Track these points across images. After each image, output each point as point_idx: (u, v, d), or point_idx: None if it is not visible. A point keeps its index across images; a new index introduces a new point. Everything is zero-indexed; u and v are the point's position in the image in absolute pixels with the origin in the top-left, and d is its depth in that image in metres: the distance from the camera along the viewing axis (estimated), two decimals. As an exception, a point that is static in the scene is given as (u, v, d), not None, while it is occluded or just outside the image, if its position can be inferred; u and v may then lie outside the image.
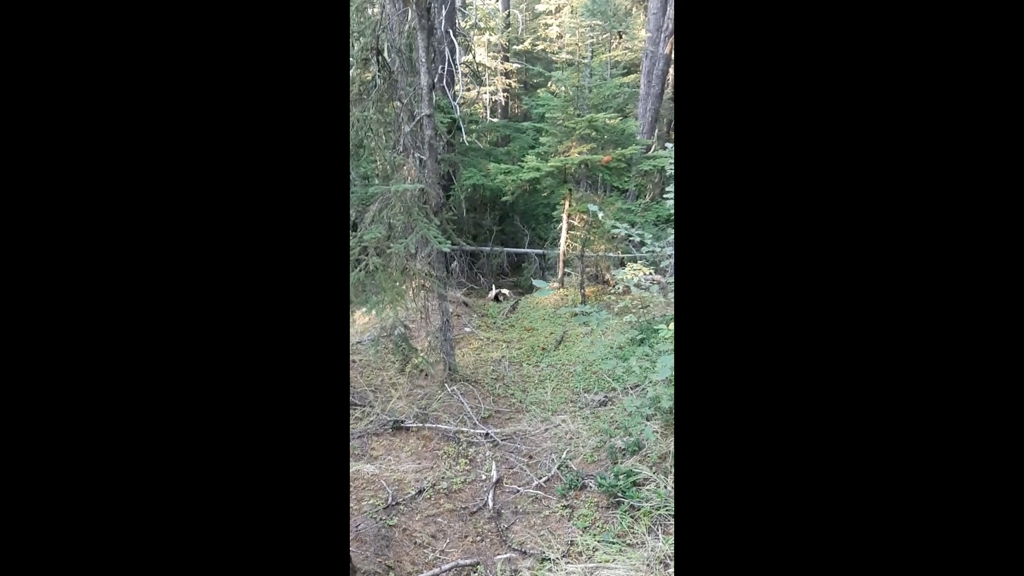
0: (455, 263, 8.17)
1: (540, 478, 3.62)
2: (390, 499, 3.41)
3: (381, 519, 3.23)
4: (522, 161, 7.33)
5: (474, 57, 10.82)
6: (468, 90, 10.90)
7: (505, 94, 11.40)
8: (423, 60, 4.03)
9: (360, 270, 4.32)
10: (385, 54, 4.11)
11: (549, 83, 8.82)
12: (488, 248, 8.90)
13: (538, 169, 6.77)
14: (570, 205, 7.14)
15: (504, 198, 7.67)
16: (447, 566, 2.81)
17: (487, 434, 4.15)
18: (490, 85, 11.00)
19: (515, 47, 11.21)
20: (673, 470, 3.31)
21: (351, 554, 2.69)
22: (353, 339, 6.41)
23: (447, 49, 7.96)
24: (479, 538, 3.12)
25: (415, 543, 3.07)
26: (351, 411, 4.70)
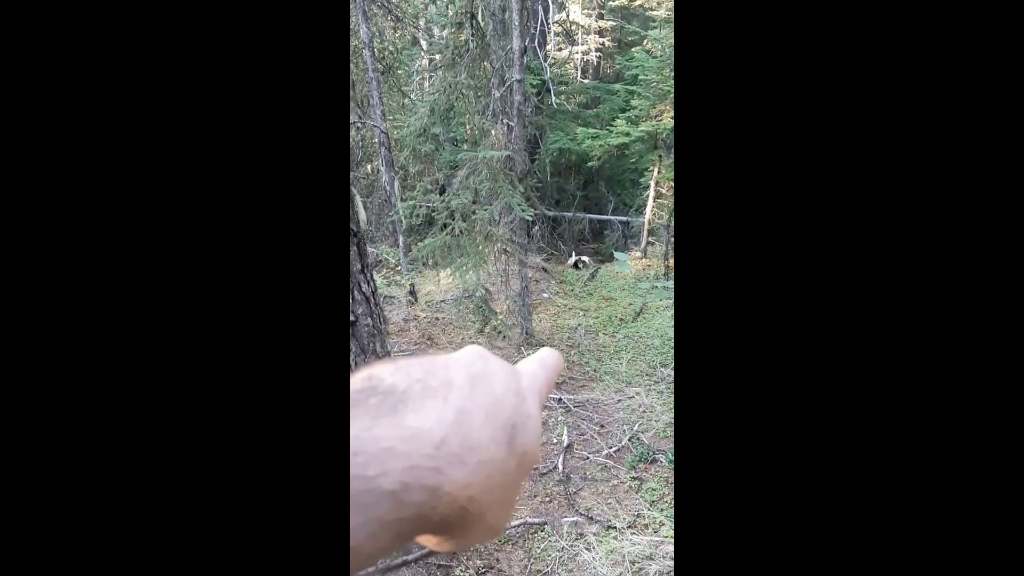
0: (536, 228, 8.20)
1: (610, 447, 3.67)
2: (465, 453, 3.61)
3: (457, 471, 3.43)
4: (611, 125, 7.12)
5: (568, 15, 10.45)
6: (559, 50, 10.62)
7: (598, 53, 10.98)
8: (516, 23, 3.98)
9: (446, 233, 4.47)
10: (479, 17, 4.10)
11: (645, 42, 8.40)
12: (570, 214, 8.83)
13: (627, 134, 6.57)
14: (659, 172, 6.89)
15: (590, 163, 7.53)
16: (516, 522, 2.96)
17: (560, 399, 4.24)
18: (583, 44, 10.62)
19: (611, 3, 10.70)
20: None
21: (429, 501, 2.90)
22: (437, 298, 6.69)
23: (540, 7, 7.76)
24: (547, 499, 3.25)
25: (487, 497, 3.25)
26: (432, 367, 4.95)
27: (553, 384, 0.46)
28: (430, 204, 4.35)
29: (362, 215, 1.96)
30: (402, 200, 5.39)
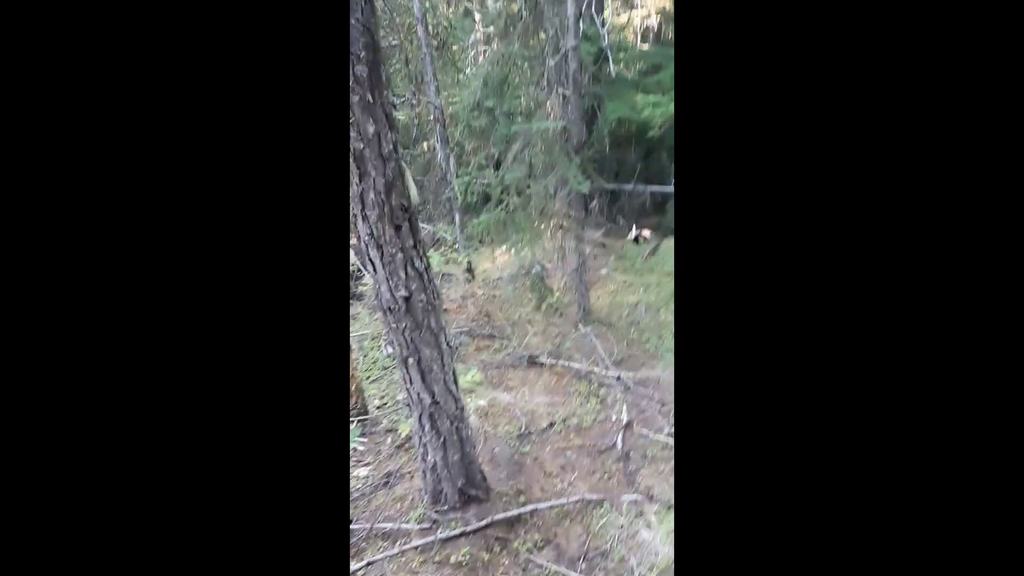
0: (594, 202, 8.00)
1: (671, 426, 3.56)
2: (523, 428, 3.61)
3: (514, 445, 3.44)
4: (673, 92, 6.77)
5: (626, -23, 9.98)
6: (617, 15, 10.19)
7: (658, 17, 10.45)
8: (570, -13, 3.81)
9: (500, 210, 4.42)
10: (532, -17, 3.95)
11: (709, 0, 7.87)
12: (630, 186, 8.55)
13: (690, 100, 6.22)
14: (724, 140, 6.51)
15: (651, 133, 7.22)
16: (574, 498, 2.94)
17: (619, 377, 4.15)
18: (642, 8, 10.14)
19: (672, -39, 10.10)
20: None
21: (486, 475, 2.93)
22: (493, 275, 6.69)
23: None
24: (606, 476, 3.20)
25: (545, 472, 3.24)
26: (490, 343, 4.98)
27: None
28: (484, 180, 4.31)
29: (413, 191, 1.94)
30: (457, 177, 5.38)
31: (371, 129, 1.79)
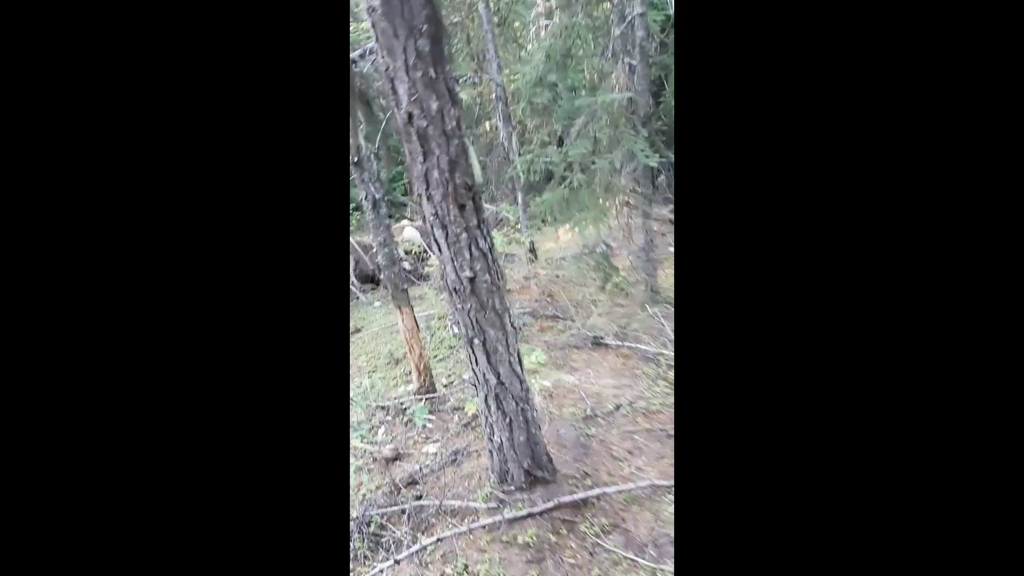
0: (662, 176, 7.69)
1: (746, 412, 3.39)
2: (588, 410, 3.55)
3: (580, 428, 3.40)
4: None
5: (695, -64, 9.40)
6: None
7: (731, -24, 9.80)
8: (638, -52, 3.60)
9: (564, 187, 4.32)
10: (596, -52, 3.77)
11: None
12: (699, 160, 8.15)
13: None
14: (805, 106, 6.05)
15: (722, 102, 6.82)
16: (643, 483, 2.87)
17: (689, 360, 3.99)
18: (713, -32, 9.53)
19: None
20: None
21: (552, 457, 2.90)
22: (557, 255, 6.61)
23: (664, -69, 7.02)
24: (676, 462, 3.10)
25: (612, 456, 3.18)
26: (554, 324, 4.93)
27: None
28: (547, 158, 4.21)
29: (477, 169, 1.90)
30: (519, 155, 5.30)
31: (434, 105, 1.76)
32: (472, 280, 2.11)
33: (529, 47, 7.71)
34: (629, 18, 3.87)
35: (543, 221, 6.39)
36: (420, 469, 3.24)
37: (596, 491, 2.79)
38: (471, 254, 2.06)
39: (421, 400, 3.98)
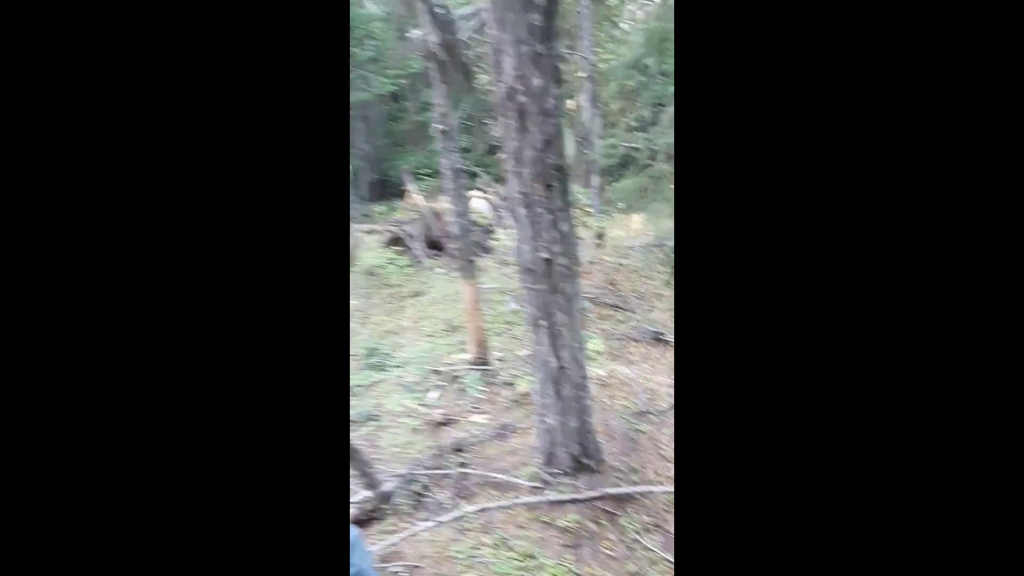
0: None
1: (808, 432, 3.24)
2: (641, 406, 3.50)
3: (631, 422, 3.36)
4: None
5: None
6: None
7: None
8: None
9: (644, 174, 4.20)
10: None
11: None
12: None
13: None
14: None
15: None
16: (689, 488, 2.81)
17: (752, 369, 3.85)
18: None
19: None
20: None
21: (600, 447, 2.89)
22: (624, 243, 6.48)
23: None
24: (726, 472, 3.02)
25: (660, 455, 3.13)
26: (614, 313, 4.86)
27: None
28: (632, 144, 4.09)
29: (570, 152, 1.86)
30: (602, 138, 5.19)
31: (537, 83, 1.72)
32: (548, 262, 2.09)
33: (623, 26, 7.46)
34: (740, 4, 3.65)
35: (615, 207, 6.27)
36: (468, 437, 3.31)
37: (642, 488, 2.77)
38: (551, 236, 2.04)
39: (475, 370, 4.04)
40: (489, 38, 1.74)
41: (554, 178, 1.91)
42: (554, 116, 1.81)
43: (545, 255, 2.07)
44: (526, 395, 3.68)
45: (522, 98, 1.76)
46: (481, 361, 4.09)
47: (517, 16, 1.63)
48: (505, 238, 6.22)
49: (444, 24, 2.68)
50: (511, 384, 3.93)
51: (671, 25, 3.92)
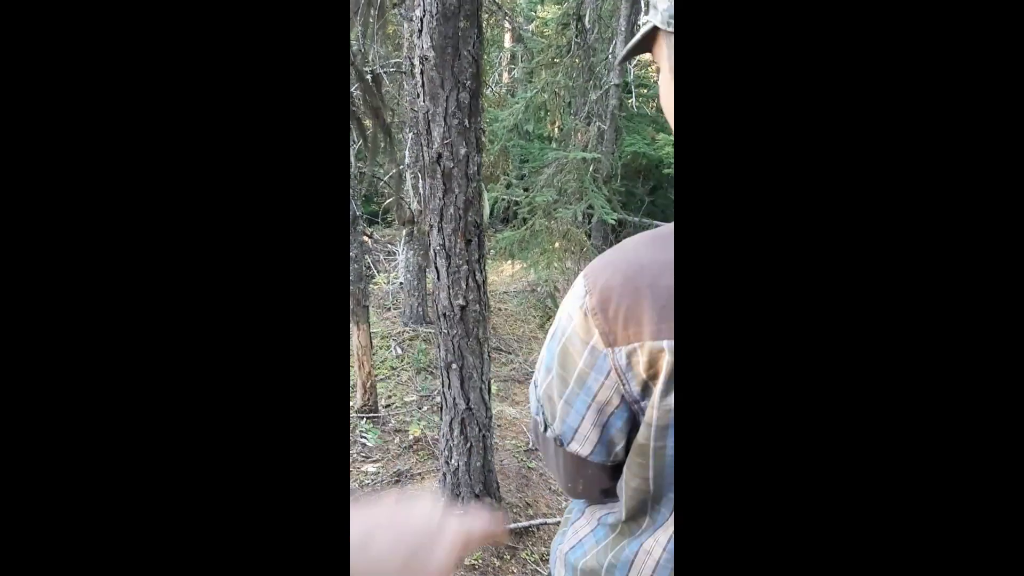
0: (590, 225, 8.19)
1: (672, 457, 3.70)
2: (530, 444, 3.72)
3: (522, 460, 3.55)
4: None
5: (655, 17, 10.29)
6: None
7: (680, 58, 10.78)
8: (622, 29, 4.02)
9: (526, 229, 4.57)
10: (586, 20, 4.15)
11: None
12: (636, 218, 8.78)
13: (709, 145, 6.47)
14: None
15: (668, 171, 7.47)
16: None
17: (623, 404, 4.28)
18: (667, 48, 10.45)
19: (700, 8, 10.46)
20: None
21: (499, 484, 3.03)
22: (500, 288, 6.83)
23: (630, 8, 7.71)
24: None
25: (550, 489, 3.35)
26: (497, 356, 5.09)
27: (480, 541, 0.52)
28: (514, 198, 4.46)
29: (487, 211, 2.09)
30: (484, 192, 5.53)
31: (462, 151, 1.93)
32: (464, 308, 2.26)
33: (493, 88, 8.06)
34: (606, 86, 4.26)
35: (492, 257, 6.62)
36: (360, 487, 3.24)
37: (538, 521, 2.95)
38: (467, 284, 2.21)
39: (363, 418, 3.97)
40: (419, 109, 1.92)
41: (473, 234, 2.11)
42: (475, 180, 2.03)
43: (461, 302, 2.23)
44: (419, 440, 3.70)
45: (448, 163, 1.95)
46: (370, 408, 4.03)
47: (448, 94, 1.85)
48: (384, 283, 6.21)
49: (369, 89, 2.79)
50: (402, 430, 3.92)
51: (548, 97, 4.43)
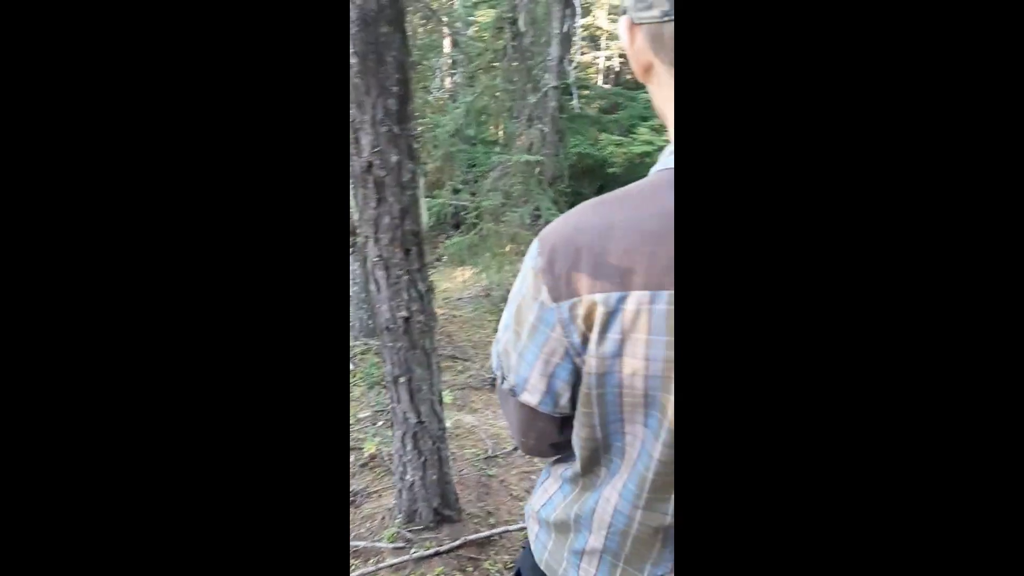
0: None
1: (631, 452, 3.73)
2: (489, 451, 3.68)
3: (481, 468, 3.51)
4: (633, 133, 7.18)
5: (593, 19, 10.51)
6: (583, 54, 10.68)
7: (620, 59, 11.06)
8: (556, 31, 4.04)
9: (474, 233, 4.54)
10: (519, 24, 4.16)
11: (669, 51, 8.43)
12: (587, 218, 8.89)
13: (651, 143, 6.64)
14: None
15: (612, 170, 7.59)
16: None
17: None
18: (607, 49, 10.69)
19: (635, 9, 10.74)
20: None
21: (458, 495, 2.98)
22: (454, 295, 6.76)
23: (566, 11, 7.81)
24: (570, 499, 3.31)
25: (511, 495, 3.32)
26: (452, 364, 5.03)
27: None
28: (460, 203, 4.42)
29: (424, 218, 2.04)
30: (426, 198, 5.46)
31: (394, 159, 1.88)
32: (407, 320, 2.20)
33: (435, 94, 8.01)
34: (544, 88, 4.28)
35: (438, 260, 6.55)
36: (316, 511, 3.13)
37: (500, 529, 2.91)
38: (409, 295, 2.16)
39: (316, 438, 3.83)
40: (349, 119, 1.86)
41: (412, 243, 2.06)
42: (410, 188, 1.98)
43: (404, 313, 2.18)
44: (374, 457, 3.60)
45: (380, 171, 1.89)
46: (322, 427, 3.89)
47: (375, 101, 1.79)
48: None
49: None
50: (357, 448, 3.81)
51: (488, 101, 4.41)
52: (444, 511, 2.82)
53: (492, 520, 3.03)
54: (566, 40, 7.64)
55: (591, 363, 0.61)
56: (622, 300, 0.56)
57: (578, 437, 0.68)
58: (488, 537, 2.85)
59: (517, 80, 4.30)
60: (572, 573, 0.74)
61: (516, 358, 0.68)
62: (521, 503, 3.23)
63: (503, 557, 2.79)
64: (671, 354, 0.56)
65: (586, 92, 9.41)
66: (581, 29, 10.20)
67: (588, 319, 0.60)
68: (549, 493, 0.80)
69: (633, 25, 0.59)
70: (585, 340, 0.62)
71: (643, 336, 0.57)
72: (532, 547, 0.82)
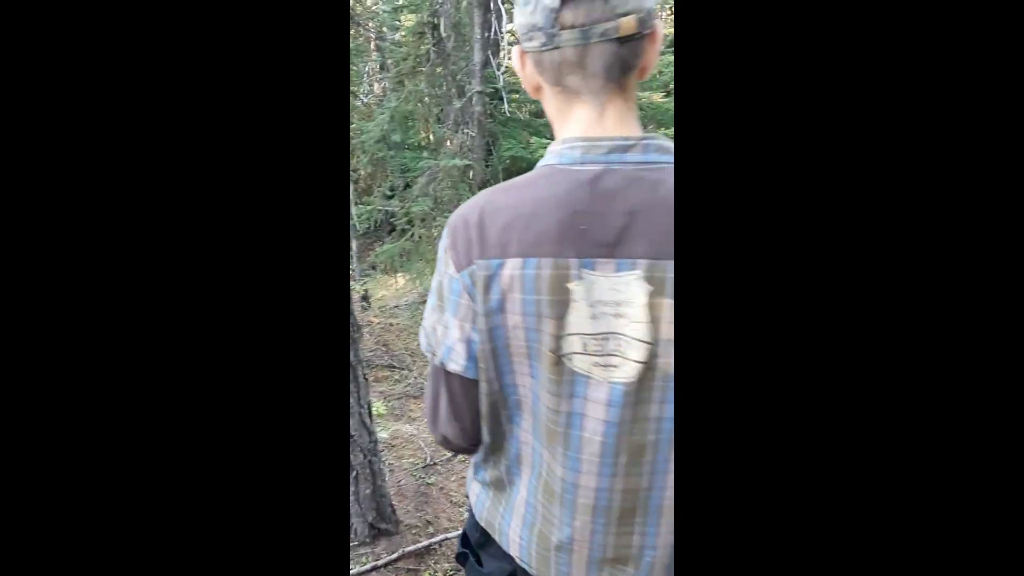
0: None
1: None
2: (428, 459, 3.64)
3: (420, 477, 3.46)
4: (563, 135, 7.27)
5: (519, 24, 10.59)
6: (511, 58, 10.75)
7: (548, 63, 11.19)
8: (478, 36, 4.06)
9: (406, 239, 4.48)
10: (441, 29, 4.15)
11: (594, 56, 8.62)
12: (522, 220, 8.96)
13: (579, 145, 6.75)
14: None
15: (543, 172, 7.67)
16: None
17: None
18: (534, 54, 10.78)
19: (561, 15, 10.91)
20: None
21: (396, 507, 2.93)
22: (391, 303, 6.65)
23: (493, 16, 7.87)
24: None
25: (451, 502, 3.30)
26: (390, 373, 4.94)
27: None
28: (389, 209, 4.36)
29: (355, 222, 1.99)
30: (357, 204, 5.35)
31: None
32: (329, 334, 2.14)
33: (365, 99, 7.86)
34: (469, 93, 4.29)
35: (372, 267, 6.42)
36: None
37: (438, 538, 2.87)
38: (330, 308, 2.10)
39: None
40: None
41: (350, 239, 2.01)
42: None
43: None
44: (308, 474, 3.49)
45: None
46: (251, 448, 3.73)
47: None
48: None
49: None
50: (289, 466, 3.67)
51: (413, 106, 4.37)
52: (380, 525, 2.76)
53: (431, 529, 2.99)
54: (492, 45, 7.70)
55: (481, 321, 0.70)
56: (500, 266, 0.66)
57: (482, 405, 0.77)
58: (427, 547, 2.81)
59: (441, 85, 4.29)
60: (507, 519, 0.84)
61: (441, 330, 0.75)
62: (461, 508, 3.21)
63: (443, 566, 2.77)
64: (542, 310, 0.66)
65: (516, 96, 9.50)
66: (509, 35, 10.30)
67: (475, 282, 0.69)
68: (476, 494, 0.91)
69: (523, 54, 0.72)
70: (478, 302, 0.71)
71: (518, 296, 0.66)
72: (474, 509, 0.92)
